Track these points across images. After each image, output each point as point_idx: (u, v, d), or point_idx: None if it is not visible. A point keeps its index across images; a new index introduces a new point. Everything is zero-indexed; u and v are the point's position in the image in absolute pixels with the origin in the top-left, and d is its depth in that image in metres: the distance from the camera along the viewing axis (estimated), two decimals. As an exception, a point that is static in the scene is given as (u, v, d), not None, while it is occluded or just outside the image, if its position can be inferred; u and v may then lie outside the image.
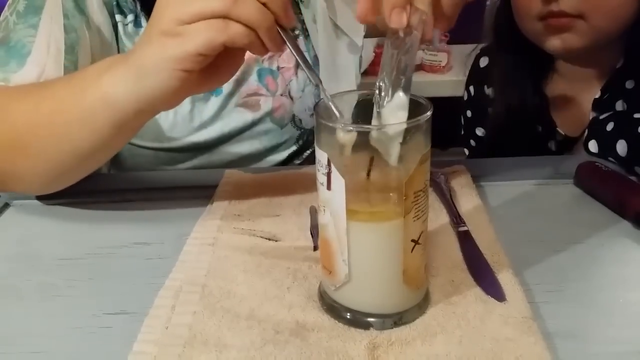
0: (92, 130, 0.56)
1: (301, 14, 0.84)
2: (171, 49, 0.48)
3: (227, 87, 0.79)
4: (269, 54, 0.80)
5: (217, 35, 0.46)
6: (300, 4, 0.83)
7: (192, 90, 0.53)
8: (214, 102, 0.79)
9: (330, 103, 0.45)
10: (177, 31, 0.47)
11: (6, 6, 0.72)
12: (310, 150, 0.89)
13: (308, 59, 0.48)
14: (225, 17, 0.46)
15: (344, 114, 0.46)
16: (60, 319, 0.50)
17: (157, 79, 0.49)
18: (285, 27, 0.47)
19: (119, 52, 0.76)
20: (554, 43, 0.82)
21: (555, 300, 0.50)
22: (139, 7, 0.75)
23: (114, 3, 0.74)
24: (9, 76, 0.65)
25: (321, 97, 0.47)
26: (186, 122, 0.78)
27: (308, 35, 0.84)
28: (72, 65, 0.69)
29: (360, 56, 0.88)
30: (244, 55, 0.54)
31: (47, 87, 0.60)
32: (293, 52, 0.47)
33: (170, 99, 0.52)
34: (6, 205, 0.69)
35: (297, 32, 0.83)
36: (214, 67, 0.51)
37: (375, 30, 0.82)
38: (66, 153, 0.59)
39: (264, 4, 0.46)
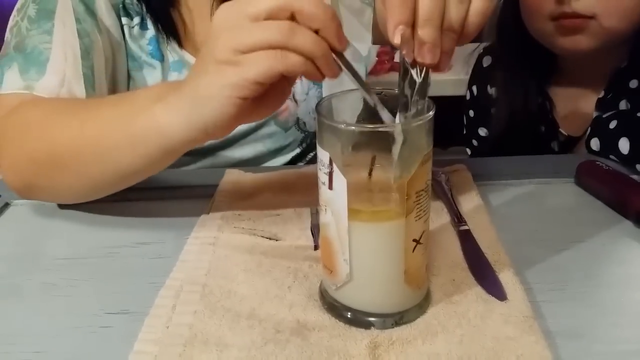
0: (140, 156, 0.55)
1: None
2: (230, 76, 0.47)
3: None
4: None
5: (276, 65, 0.46)
6: None
7: (243, 119, 0.52)
8: None
9: (382, 113, 0.45)
10: (235, 60, 0.47)
11: (15, 10, 0.72)
12: (314, 153, 0.89)
13: (364, 78, 0.48)
14: (282, 47, 0.45)
15: (347, 114, 0.46)
16: (61, 319, 0.50)
17: (213, 106, 0.49)
18: (340, 52, 0.47)
19: (126, 54, 0.76)
20: (565, 43, 0.82)
21: (556, 299, 0.50)
22: (144, 10, 0.75)
23: (121, 5, 0.74)
24: (32, 84, 0.65)
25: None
26: None
27: None
28: (89, 71, 0.69)
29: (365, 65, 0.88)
30: (291, 87, 0.54)
31: (91, 108, 0.60)
32: (349, 76, 0.47)
33: (223, 127, 0.51)
34: (6, 205, 0.69)
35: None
36: (264, 97, 0.51)
37: (379, 38, 0.82)
38: (108, 174, 0.58)
39: (317, 31, 0.46)
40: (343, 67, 0.47)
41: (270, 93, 0.51)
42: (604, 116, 0.82)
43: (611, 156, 0.77)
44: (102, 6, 0.73)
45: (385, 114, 0.45)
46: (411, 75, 0.43)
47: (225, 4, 0.48)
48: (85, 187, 0.61)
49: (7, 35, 0.70)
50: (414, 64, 0.43)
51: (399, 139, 0.42)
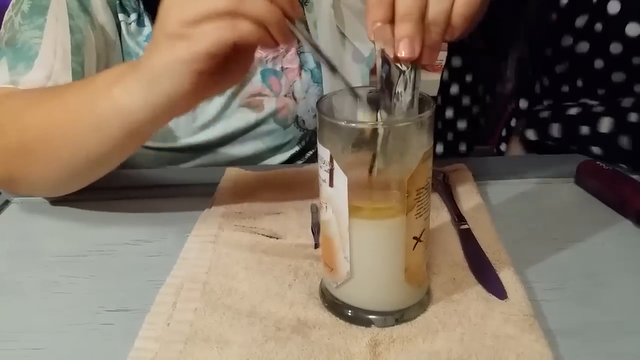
0: (105, 139, 0.55)
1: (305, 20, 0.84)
2: (180, 51, 0.47)
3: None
4: (273, 54, 0.80)
5: (226, 34, 0.45)
6: (303, 7, 0.83)
7: (205, 92, 0.52)
8: (217, 102, 0.78)
9: (349, 87, 0.45)
10: (184, 33, 0.46)
11: (10, 6, 0.72)
12: (313, 151, 0.89)
13: (320, 47, 0.47)
14: (232, 15, 0.45)
15: (347, 111, 0.46)
16: (61, 316, 0.50)
17: (169, 83, 0.49)
18: (293, 18, 0.47)
19: (122, 51, 0.76)
20: None
21: (557, 298, 0.50)
22: (142, 6, 0.75)
23: (117, 2, 0.74)
24: (17, 79, 0.65)
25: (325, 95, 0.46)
26: (189, 122, 0.78)
27: None
28: (79, 66, 0.69)
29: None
30: (254, 53, 0.53)
31: (58, 95, 0.60)
32: (305, 42, 0.46)
33: (184, 103, 0.51)
34: (7, 202, 0.69)
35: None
36: (225, 68, 0.50)
37: None
38: (78, 160, 0.58)
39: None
40: (298, 34, 0.46)
41: (231, 62, 0.50)
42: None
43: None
44: (98, 3, 0.73)
45: (341, 78, 0.45)
46: (391, 70, 0.43)
47: None
48: (59, 175, 0.61)
49: (2, 30, 0.70)
50: (396, 60, 0.42)
51: (380, 133, 0.42)
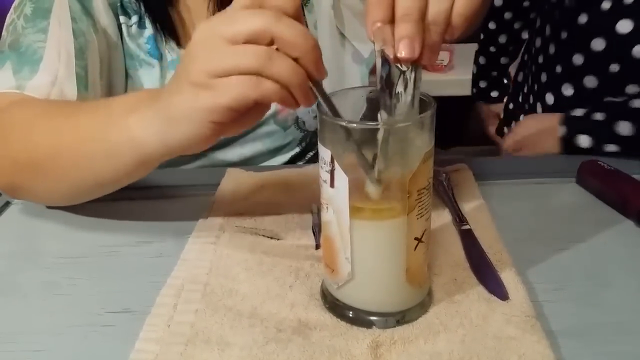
0: (116, 165, 0.55)
1: (306, 22, 0.84)
2: (203, 100, 0.47)
3: None
4: None
5: (249, 92, 0.45)
6: (304, 8, 0.83)
7: (220, 135, 0.52)
8: None
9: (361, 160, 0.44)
10: (208, 84, 0.46)
11: (12, 9, 0.71)
12: (313, 152, 0.89)
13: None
14: (257, 74, 0.45)
15: (348, 111, 0.46)
16: (62, 317, 0.50)
17: (187, 128, 0.48)
18: (318, 81, 0.46)
19: (124, 53, 0.76)
20: None
21: (558, 299, 0.50)
22: (142, 9, 0.75)
23: (118, 4, 0.74)
24: (23, 83, 0.65)
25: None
26: None
27: None
28: (82, 70, 0.69)
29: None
30: (268, 109, 0.53)
31: (70, 115, 0.59)
32: (325, 107, 0.46)
33: (198, 146, 0.51)
34: (7, 204, 0.69)
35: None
36: (241, 116, 0.51)
37: None
38: (86, 181, 0.58)
39: (296, 59, 0.45)
40: (319, 97, 0.46)
41: (245, 114, 0.50)
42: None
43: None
44: (99, 5, 0.73)
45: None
46: (391, 70, 0.42)
47: (207, 20, 0.46)
48: (65, 191, 0.61)
49: (4, 33, 0.70)
50: (396, 60, 0.42)
51: (381, 135, 0.42)
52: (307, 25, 0.83)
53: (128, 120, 0.52)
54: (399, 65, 0.42)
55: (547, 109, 0.92)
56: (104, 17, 0.73)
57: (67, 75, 0.67)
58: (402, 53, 0.41)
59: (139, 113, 0.52)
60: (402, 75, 0.42)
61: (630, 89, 0.85)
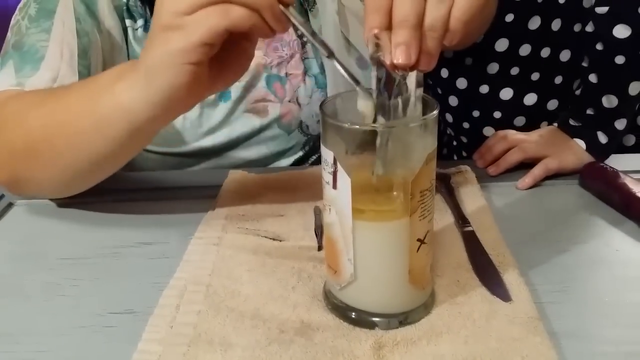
0: (108, 138, 0.55)
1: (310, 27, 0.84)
2: (175, 42, 0.47)
3: (235, 92, 0.79)
4: (278, 60, 0.80)
5: (219, 22, 0.45)
6: (309, 13, 0.83)
7: (204, 89, 0.52)
8: (222, 107, 0.79)
9: (345, 72, 0.45)
10: (178, 24, 0.46)
11: (17, 10, 0.72)
12: (317, 156, 0.89)
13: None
14: (224, 1, 0.45)
15: (351, 114, 0.46)
16: (65, 318, 0.50)
17: (166, 76, 0.48)
18: (287, 3, 0.46)
19: (129, 56, 0.76)
20: None
21: (561, 300, 0.50)
22: (148, 12, 0.76)
23: (124, 7, 0.74)
24: (23, 81, 0.65)
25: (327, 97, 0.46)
26: (194, 127, 0.78)
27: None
28: (85, 69, 0.69)
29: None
30: (253, 49, 0.53)
31: (61, 95, 0.60)
32: (300, 28, 0.46)
33: (181, 99, 0.51)
34: (10, 205, 0.69)
35: (304, 38, 0.83)
36: (224, 64, 0.50)
37: None
38: (82, 161, 0.58)
39: None
40: (292, 19, 0.45)
41: (231, 56, 0.50)
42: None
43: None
44: (105, 7, 0.73)
45: (338, 63, 0.44)
46: (387, 75, 0.42)
47: None
48: (63, 176, 0.61)
49: (8, 34, 0.70)
50: (392, 67, 0.42)
51: (379, 137, 0.42)
52: (313, 28, 0.83)
53: (113, 89, 0.52)
54: (394, 72, 0.42)
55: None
56: (109, 19, 0.73)
57: (69, 73, 0.67)
58: (399, 59, 0.41)
59: (123, 79, 0.52)
60: (398, 81, 0.42)
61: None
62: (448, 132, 1.03)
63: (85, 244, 0.61)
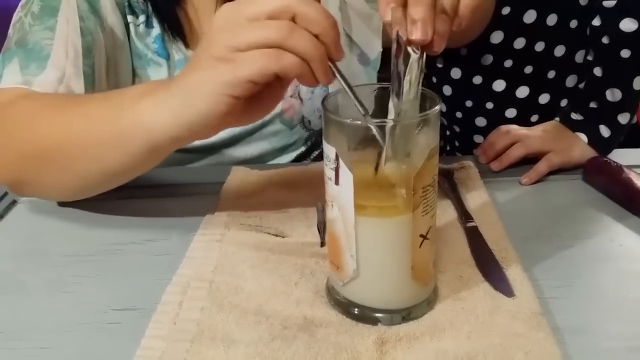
0: (125, 153, 0.54)
1: None
2: (224, 73, 0.47)
3: None
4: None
5: (270, 64, 0.45)
6: None
7: (233, 121, 0.52)
8: None
9: (372, 127, 0.44)
10: (230, 57, 0.46)
11: (19, 7, 0.72)
12: (319, 151, 0.89)
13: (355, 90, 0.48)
14: (279, 47, 0.45)
15: (353, 109, 0.46)
16: (68, 315, 0.50)
17: (205, 102, 0.48)
18: (335, 60, 0.47)
19: (131, 52, 0.76)
20: None
21: (564, 296, 0.50)
22: (150, 8, 0.75)
23: (126, 4, 0.74)
24: (30, 79, 0.65)
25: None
26: None
27: None
28: (89, 69, 0.69)
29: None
30: (285, 90, 0.53)
31: (81, 104, 0.59)
32: (343, 84, 0.46)
33: (210, 127, 0.51)
34: (14, 203, 0.70)
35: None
36: (255, 100, 0.51)
37: (388, 41, 0.82)
38: (93, 172, 0.58)
39: (316, 36, 0.45)
40: (337, 74, 0.47)
41: (263, 95, 0.50)
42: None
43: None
44: (107, 4, 0.73)
45: (375, 127, 0.44)
46: (405, 54, 0.43)
47: (227, 4, 0.47)
48: (71, 183, 0.60)
49: (10, 31, 0.70)
50: (408, 43, 0.42)
51: (393, 118, 0.42)
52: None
53: (140, 105, 0.52)
54: (410, 48, 0.42)
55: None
56: (111, 16, 0.73)
57: (75, 73, 0.67)
58: (416, 35, 0.42)
59: (151, 96, 0.52)
60: (411, 58, 0.43)
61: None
62: (441, 121, 1.04)
63: (88, 241, 0.61)
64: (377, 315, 0.46)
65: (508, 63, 0.89)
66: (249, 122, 0.54)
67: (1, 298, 0.53)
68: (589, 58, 0.81)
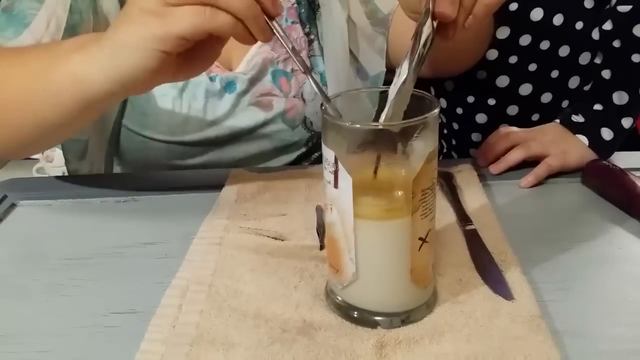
0: (56, 105, 0.54)
1: (316, 26, 0.84)
2: (154, 28, 0.47)
3: (240, 85, 0.79)
4: (285, 55, 0.80)
5: (203, 22, 0.45)
6: (315, 13, 0.83)
7: (166, 77, 0.52)
8: (228, 99, 0.79)
9: (318, 90, 0.46)
10: (162, 11, 0.46)
11: None
12: (319, 152, 0.89)
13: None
14: (212, 4, 0.45)
15: (352, 113, 0.46)
16: (67, 318, 0.50)
17: (135, 57, 0.48)
18: (273, 16, 0.47)
19: None
20: None
21: (563, 299, 0.50)
22: None
23: None
24: (2, 42, 0.65)
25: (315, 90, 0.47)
26: (199, 117, 0.78)
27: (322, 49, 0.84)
28: None
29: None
30: (222, 48, 0.53)
31: (19, 54, 0.59)
32: (282, 42, 0.47)
33: (143, 82, 0.51)
34: (13, 206, 0.70)
35: (312, 37, 0.83)
36: (191, 57, 0.50)
37: (390, 63, 0.82)
38: (28, 125, 0.57)
39: None
40: (276, 32, 0.47)
41: (198, 52, 0.50)
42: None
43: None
44: None
45: (313, 82, 0.46)
46: (425, 24, 0.45)
47: None
48: (9, 138, 0.60)
49: None
50: (434, 16, 0.45)
51: (401, 78, 0.43)
52: (318, 35, 0.83)
53: (72, 58, 0.52)
54: (433, 22, 0.45)
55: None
56: (109, 3, 0.73)
57: None
58: (446, 9, 0.45)
59: (84, 49, 0.52)
60: (430, 32, 0.45)
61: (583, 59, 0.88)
62: (440, 119, 1.03)
63: (88, 244, 0.61)
64: (376, 318, 0.46)
65: (513, 59, 0.89)
66: (184, 78, 0.54)
67: (0, 301, 0.53)
68: (597, 61, 0.81)
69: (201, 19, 0.46)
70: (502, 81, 0.91)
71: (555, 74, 0.89)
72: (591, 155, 0.73)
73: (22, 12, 0.67)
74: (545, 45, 0.87)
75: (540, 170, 0.70)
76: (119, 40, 0.49)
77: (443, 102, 1.00)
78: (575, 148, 0.74)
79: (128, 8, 0.49)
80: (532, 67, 0.89)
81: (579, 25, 0.85)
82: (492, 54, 0.89)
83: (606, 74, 0.78)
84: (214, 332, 0.46)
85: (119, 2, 0.74)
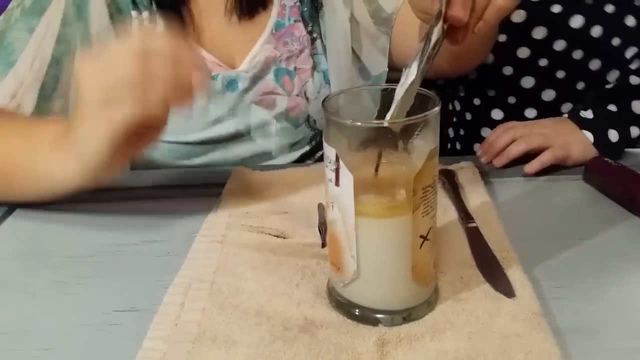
0: (37, 191, 0.62)
1: (319, 25, 0.84)
2: (103, 122, 0.52)
3: (243, 83, 0.79)
4: (287, 54, 0.80)
5: (137, 110, 0.50)
6: (318, 11, 0.83)
7: (126, 157, 0.57)
8: (230, 98, 0.79)
9: None
10: (107, 99, 0.51)
11: None
12: (322, 151, 0.89)
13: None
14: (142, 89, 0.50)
15: (354, 110, 0.46)
16: (70, 316, 0.50)
17: (98, 154, 0.53)
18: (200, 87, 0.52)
19: None
20: None
21: (565, 296, 0.50)
22: (154, 4, 0.76)
23: (129, 0, 0.75)
24: None
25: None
26: (201, 116, 0.78)
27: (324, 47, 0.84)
28: (52, 79, 0.72)
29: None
30: (165, 126, 0.57)
31: (4, 134, 0.64)
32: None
33: (112, 169, 0.56)
34: (16, 205, 0.70)
35: (314, 35, 0.84)
36: (142, 133, 0.54)
37: (393, 63, 0.82)
38: (10, 196, 0.65)
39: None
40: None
41: (146, 131, 0.54)
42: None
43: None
44: (96, 11, 0.73)
45: None
46: (436, 26, 0.46)
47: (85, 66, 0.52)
48: None
49: (1, 17, 0.72)
50: (445, 18, 0.46)
51: (410, 79, 0.43)
52: (320, 33, 0.84)
53: (49, 160, 0.58)
54: (444, 24, 0.46)
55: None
56: (98, 24, 0.74)
57: (32, 85, 0.70)
58: (458, 12, 0.46)
59: (58, 152, 0.57)
60: (440, 34, 0.46)
61: (611, 76, 0.88)
62: (452, 107, 1.02)
63: (90, 242, 0.61)
64: (377, 316, 0.46)
65: (543, 62, 0.88)
66: (135, 158, 0.59)
67: (4, 299, 0.53)
68: (632, 66, 0.81)
69: (137, 108, 0.50)
70: (528, 82, 0.90)
71: (580, 85, 0.88)
72: (592, 151, 0.73)
73: (11, 46, 0.70)
74: (578, 54, 0.86)
75: (544, 157, 0.70)
76: (80, 143, 0.54)
77: (461, 89, 0.99)
78: (578, 142, 0.73)
79: (79, 101, 0.53)
80: (560, 74, 0.88)
81: (616, 41, 0.85)
82: (524, 52, 0.88)
83: (634, 79, 0.77)
84: (216, 330, 0.46)
85: (123, 9, 0.75)
